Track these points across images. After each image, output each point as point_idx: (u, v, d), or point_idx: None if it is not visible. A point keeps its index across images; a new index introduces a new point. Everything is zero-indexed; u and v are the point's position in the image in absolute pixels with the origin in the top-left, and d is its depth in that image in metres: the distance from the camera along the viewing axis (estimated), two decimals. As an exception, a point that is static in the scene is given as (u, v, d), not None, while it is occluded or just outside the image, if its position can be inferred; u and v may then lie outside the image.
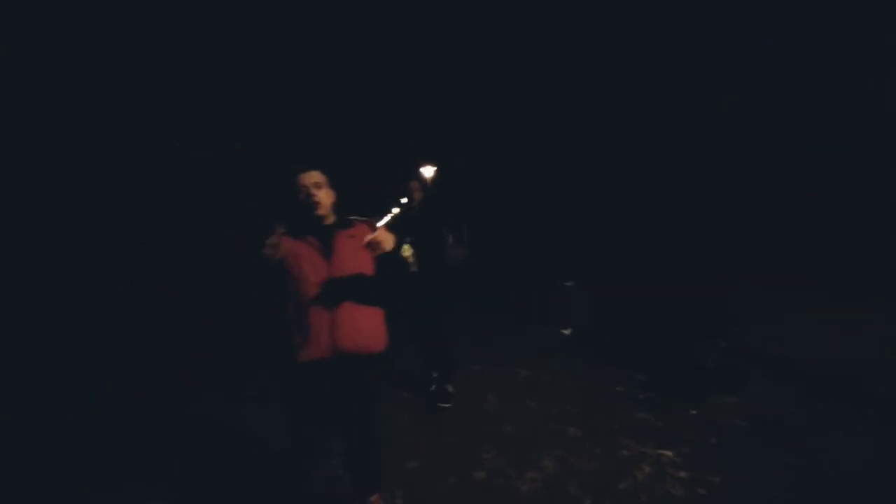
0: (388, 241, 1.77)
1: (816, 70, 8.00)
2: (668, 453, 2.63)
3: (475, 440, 2.84)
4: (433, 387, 3.49)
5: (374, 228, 1.84)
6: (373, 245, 1.74)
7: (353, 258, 1.87)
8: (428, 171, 18.93)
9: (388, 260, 1.94)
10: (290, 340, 1.83)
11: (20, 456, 2.92)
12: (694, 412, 3.17)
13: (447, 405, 3.36)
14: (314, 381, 1.83)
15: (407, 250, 2.18)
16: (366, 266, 1.91)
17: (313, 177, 1.89)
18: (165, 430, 3.28)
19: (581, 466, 2.53)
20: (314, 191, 1.86)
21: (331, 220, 1.93)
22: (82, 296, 6.20)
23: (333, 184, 1.97)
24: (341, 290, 1.83)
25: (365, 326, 1.86)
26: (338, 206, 1.98)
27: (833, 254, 7.29)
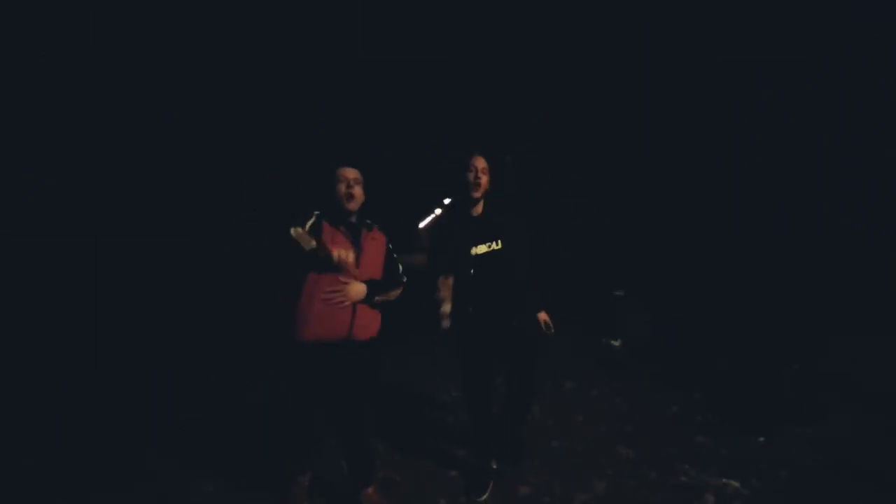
0: (357, 293, 1.94)
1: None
2: (735, 483, 2.40)
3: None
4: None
5: (387, 238, 2.15)
6: (344, 294, 1.90)
7: (374, 258, 2.06)
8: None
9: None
10: (296, 321, 1.87)
11: (21, 456, 2.85)
12: (761, 440, 2.90)
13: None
14: (319, 362, 1.91)
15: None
16: (380, 267, 2.09)
17: (354, 172, 2.02)
18: (162, 431, 3.14)
19: (635, 491, 2.36)
20: (355, 186, 1.99)
21: (355, 219, 2.06)
22: (84, 295, 6.25)
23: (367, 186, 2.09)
24: (374, 287, 2.00)
25: (375, 318, 2.04)
26: (364, 209, 2.11)
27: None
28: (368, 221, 2.13)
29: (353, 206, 1.99)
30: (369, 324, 2.01)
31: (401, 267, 2.21)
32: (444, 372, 4.21)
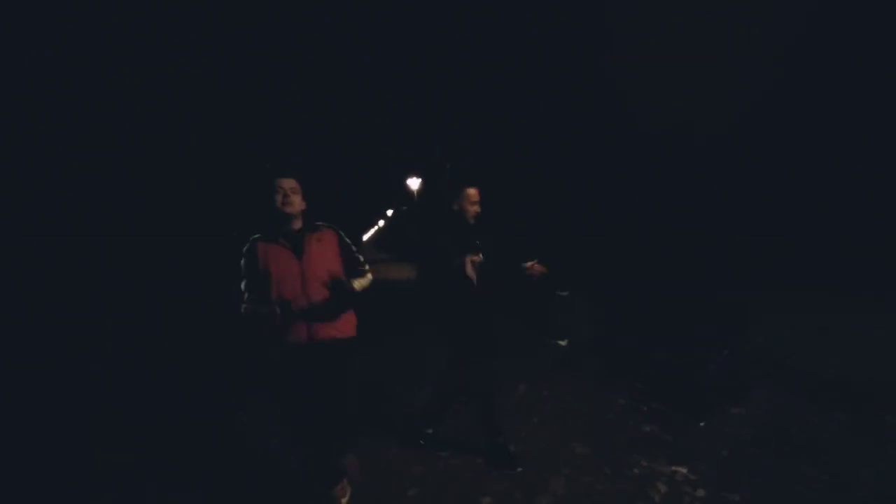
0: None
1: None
2: (683, 470, 2.51)
3: (477, 461, 2.68)
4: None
5: (338, 234, 2.20)
6: None
7: (321, 259, 2.08)
8: (414, 183, 18.87)
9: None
10: (269, 332, 2.00)
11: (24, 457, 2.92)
12: (702, 424, 3.07)
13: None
14: (295, 365, 2.04)
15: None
16: (333, 266, 2.11)
17: (290, 182, 2.04)
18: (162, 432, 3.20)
19: (593, 487, 2.39)
20: (291, 196, 2.02)
21: (299, 225, 2.11)
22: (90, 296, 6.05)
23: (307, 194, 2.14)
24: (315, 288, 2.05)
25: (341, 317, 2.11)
26: (307, 214, 2.16)
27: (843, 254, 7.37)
28: (319, 223, 2.18)
29: (290, 209, 2.01)
30: (332, 322, 2.06)
31: (361, 258, 2.28)
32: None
